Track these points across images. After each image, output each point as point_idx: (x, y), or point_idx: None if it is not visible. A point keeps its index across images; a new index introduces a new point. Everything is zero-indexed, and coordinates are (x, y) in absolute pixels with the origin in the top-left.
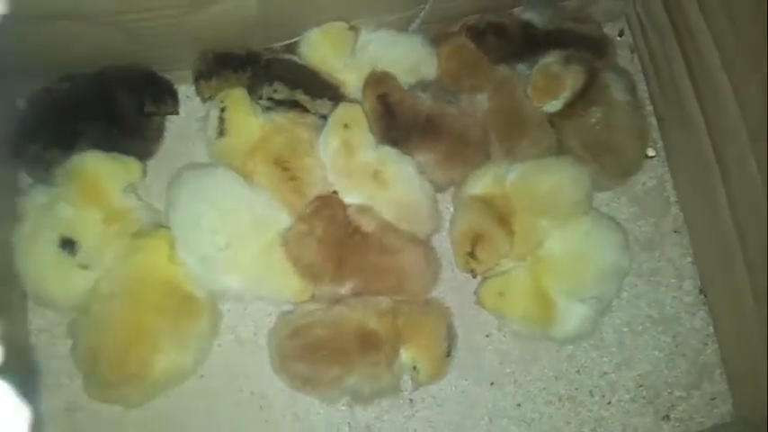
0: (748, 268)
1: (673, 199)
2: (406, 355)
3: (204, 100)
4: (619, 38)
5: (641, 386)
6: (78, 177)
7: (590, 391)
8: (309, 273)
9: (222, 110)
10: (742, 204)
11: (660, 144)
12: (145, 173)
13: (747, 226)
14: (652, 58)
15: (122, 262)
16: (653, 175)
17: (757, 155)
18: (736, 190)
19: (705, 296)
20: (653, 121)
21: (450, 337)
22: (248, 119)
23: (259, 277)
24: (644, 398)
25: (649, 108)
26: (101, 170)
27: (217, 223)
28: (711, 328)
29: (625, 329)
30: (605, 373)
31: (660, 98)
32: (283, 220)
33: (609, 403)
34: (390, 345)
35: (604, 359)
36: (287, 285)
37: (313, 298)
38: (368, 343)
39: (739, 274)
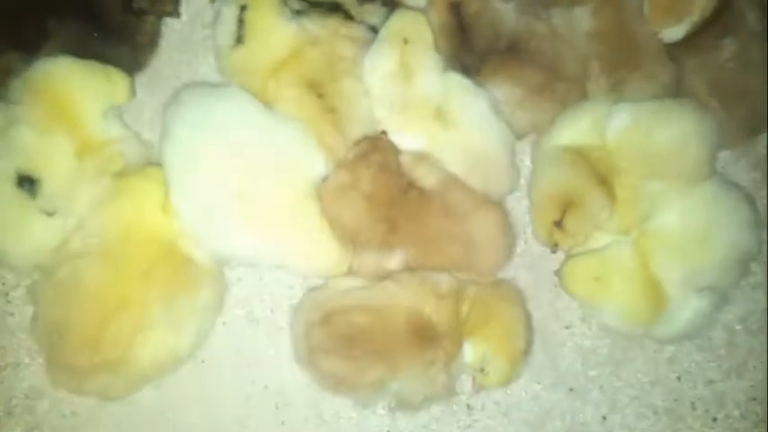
0: None
1: None
2: (473, 351)
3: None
4: None
5: (754, 400)
6: (43, 92)
7: (692, 404)
8: (350, 237)
9: (242, 8)
10: None
11: None
12: (133, 91)
13: None
14: None
15: (100, 210)
16: None
17: None
18: None
19: None
20: None
21: (530, 330)
22: (274, 22)
23: (282, 240)
24: (757, 415)
25: None
26: (74, 84)
27: (224, 161)
28: None
29: (738, 328)
30: (711, 382)
31: None
32: (316, 164)
33: (714, 420)
34: (452, 338)
35: (711, 364)
36: (319, 252)
37: (351, 271)
38: (423, 335)
39: None
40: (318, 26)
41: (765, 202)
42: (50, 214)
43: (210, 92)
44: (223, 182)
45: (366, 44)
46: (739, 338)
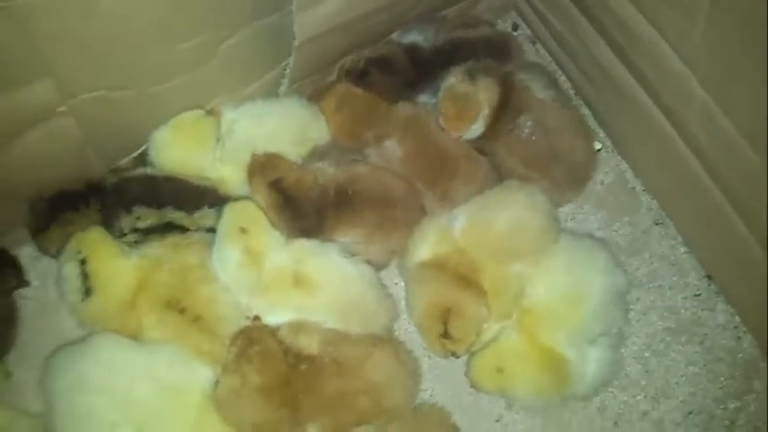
0: (751, 230)
1: (639, 188)
2: None
3: (53, 256)
4: (515, 33)
5: (690, 413)
6: None
7: None
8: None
9: (82, 261)
10: (720, 164)
11: (602, 133)
12: (7, 373)
13: (735, 185)
14: (560, 43)
15: None
16: (607, 169)
17: (719, 102)
18: (708, 149)
19: (715, 284)
20: (585, 110)
21: None
22: (117, 263)
23: None
24: (697, 426)
25: (576, 97)
26: None
27: (114, 413)
28: (737, 318)
29: (647, 354)
30: (645, 414)
31: (584, 82)
32: (202, 374)
33: None
34: None
35: (638, 398)
36: None
37: None
38: None
39: (744, 241)
40: (158, 248)
41: (621, 233)
42: None
43: (76, 348)
44: (117, 429)
45: (209, 246)
46: (652, 364)
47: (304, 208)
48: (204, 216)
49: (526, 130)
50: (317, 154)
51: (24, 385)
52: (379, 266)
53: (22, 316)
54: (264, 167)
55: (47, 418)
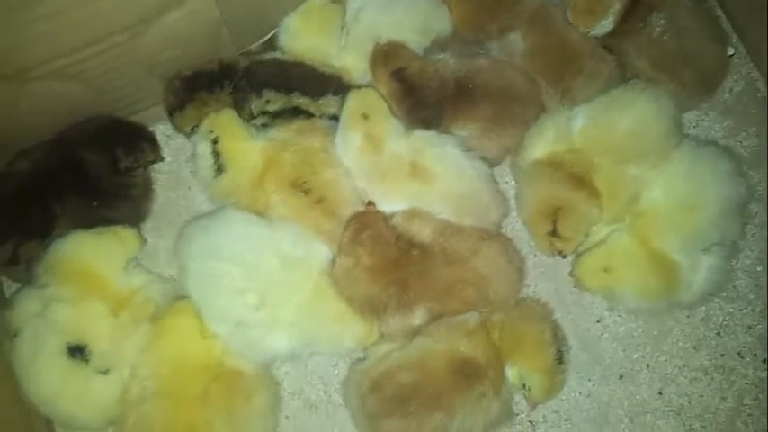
0: None
1: None
2: (512, 373)
3: (187, 134)
4: None
5: None
6: (66, 268)
7: (738, 353)
8: (370, 309)
9: (214, 141)
10: None
11: (735, 38)
12: (143, 239)
13: None
14: None
15: (148, 353)
16: (737, 76)
17: None
18: None
19: None
20: (719, 12)
21: (558, 339)
22: (246, 144)
23: (310, 329)
24: None
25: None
26: (90, 253)
27: (242, 280)
28: None
29: (759, 269)
30: (750, 327)
31: None
32: (321, 252)
33: (764, 361)
34: (492, 367)
35: (744, 311)
36: (347, 331)
37: (383, 336)
38: (466, 373)
39: None
40: (285, 131)
41: (746, 144)
42: (106, 372)
43: (208, 220)
44: (244, 295)
45: (332, 132)
46: (762, 279)
47: (424, 98)
48: (328, 103)
49: (658, 29)
50: (439, 45)
51: (157, 252)
52: (492, 163)
53: (155, 189)
54: (387, 56)
55: (179, 281)
